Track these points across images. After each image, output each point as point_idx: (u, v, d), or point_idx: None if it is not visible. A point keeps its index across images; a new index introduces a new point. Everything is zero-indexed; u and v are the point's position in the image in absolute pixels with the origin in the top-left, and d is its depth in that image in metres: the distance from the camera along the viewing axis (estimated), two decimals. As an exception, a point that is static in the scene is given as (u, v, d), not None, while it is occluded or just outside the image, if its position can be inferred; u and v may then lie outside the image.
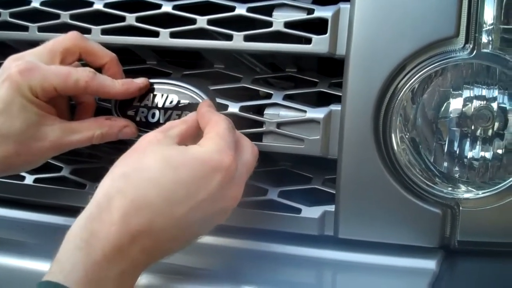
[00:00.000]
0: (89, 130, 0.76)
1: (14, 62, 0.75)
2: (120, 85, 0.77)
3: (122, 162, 0.66)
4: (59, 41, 0.77)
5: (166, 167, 0.64)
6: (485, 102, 0.72)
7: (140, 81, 0.79)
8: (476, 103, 0.72)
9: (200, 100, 0.78)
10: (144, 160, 0.65)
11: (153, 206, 0.63)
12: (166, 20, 0.79)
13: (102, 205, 0.63)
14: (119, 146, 0.84)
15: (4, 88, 0.73)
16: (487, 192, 0.72)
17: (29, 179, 0.87)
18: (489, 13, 0.69)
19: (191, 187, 0.64)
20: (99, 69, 0.78)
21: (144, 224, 0.62)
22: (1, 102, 0.73)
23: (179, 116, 0.77)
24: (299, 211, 0.77)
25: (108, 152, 0.87)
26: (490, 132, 0.72)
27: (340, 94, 0.73)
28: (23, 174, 0.88)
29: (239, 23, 0.76)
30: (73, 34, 0.78)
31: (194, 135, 0.71)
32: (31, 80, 0.73)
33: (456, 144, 0.73)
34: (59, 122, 0.76)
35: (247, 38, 0.75)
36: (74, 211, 0.83)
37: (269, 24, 0.74)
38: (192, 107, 0.77)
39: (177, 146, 0.67)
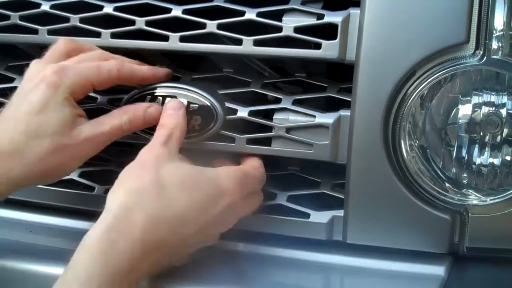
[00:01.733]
0: (116, 118, 0.76)
1: (44, 65, 0.76)
2: (147, 69, 0.79)
3: (134, 176, 0.68)
4: None
5: (183, 188, 0.68)
6: (494, 108, 0.72)
7: (163, 69, 0.81)
8: (485, 109, 0.72)
9: (209, 104, 0.78)
10: (160, 178, 0.67)
11: (169, 224, 0.66)
12: (175, 24, 0.79)
13: (119, 217, 0.64)
14: (128, 149, 0.84)
15: (40, 90, 0.73)
16: (496, 198, 0.72)
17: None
18: (499, 19, 0.69)
19: (201, 209, 0.68)
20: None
21: (159, 240, 0.65)
22: (38, 103, 0.73)
23: (189, 121, 0.77)
24: (307, 215, 0.77)
25: (116, 155, 0.87)
26: (499, 138, 0.72)
27: (349, 99, 0.73)
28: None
29: (249, 28, 0.76)
30: None
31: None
32: (68, 79, 0.74)
33: (464, 150, 0.73)
34: (88, 121, 0.76)
35: (257, 43, 0.75)
36: (82, 214, 0.85)
37: (279, 29, 0.74)
38: (201, 110, 0.77)
39: (190, 165, 0.71)
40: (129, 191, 0.66)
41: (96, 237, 0.63)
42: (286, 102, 0.76)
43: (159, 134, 0.74)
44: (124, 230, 0.64)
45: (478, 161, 0.73)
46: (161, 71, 0.80)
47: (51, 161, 0.73)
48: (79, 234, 0.82)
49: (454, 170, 0.74)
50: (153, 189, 0.67)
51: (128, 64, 0.78)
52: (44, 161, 0.73)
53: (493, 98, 0.72)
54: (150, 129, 0.79)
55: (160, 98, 0.79)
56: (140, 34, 0.80)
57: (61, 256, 0.72)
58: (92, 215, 0.84)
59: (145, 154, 0.71)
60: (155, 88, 0.80)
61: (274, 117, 0.76)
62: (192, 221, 0.68)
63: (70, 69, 0.75)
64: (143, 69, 0.79)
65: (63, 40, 0.80)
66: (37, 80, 0.74)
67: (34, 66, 0.78)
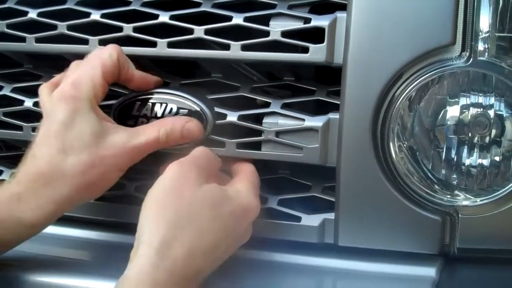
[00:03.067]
0: (153, 130, 0.75)
1: (57, 85, 0.76)
2: (139, 72, 0.79)
3: (169, 205, 0.68)
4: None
5: (213, 214, 0.69)
6: (482, 109, 0.72)
7: (155, 78, 0.81)
8: (473, 111, 0.72)
9: (198, 109, 0.78)
10: (195, 207, 0.68)
11: (205, 253, 0.67)
12: (163, 30, 0.79)
13: (161, 253, 0.65)
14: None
15: (63, 108, 0.73)
16: (486, 199, 0.72)
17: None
18: (485, 21, 0.70)
19: (230, 230, 0.70)
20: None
21: (196, 270, 0.67)
22: (64, 119, 0.73)
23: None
24: (298, 219, 0.77)
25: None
26: (487, 139, 0.72)
27: (338, 102, 0.74)
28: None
29: (237, 33, 0.76)
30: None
31: None
32: (84, 87, 0.74)
33: (453, 152, 0.73)
34: (123, 129, 0.76)
35: (245, 48, 0.75)
36: (83, 223, 0.84)
37: (266, 33, 0.75)
38: (191, 116, 0.77)
39: (214, 186, 0.70)
40: (167, 224, 0.66)
41: (142, 273, 0.64)
42: (275, 106, 0.77)
43: (201, 151, 0.74)
44: (167, 267, 0.64)
45: (467, 162, 0.73)
46: (153, 78, 0.80)
47: (93, 174, 0.73)
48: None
49: (443, 171, 0.74)
50: (189, 220, 0.67)
51: (123, 53, 0.78)
52: (86, 175, 0.73)
53: (480, 99, 0.72)
54: None
55: (150, 104, 0.79)
56: (128, 41, 0.80)
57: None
58: (92, 224, 0.84)
59: (182, 173, 0.70)
60: (145, 94, 0.80)
61: (263, 121, 0.77)
62: (223, 245, 0.69)
63: (81, 77, 0.75)
64: (135, 71, 0.79)
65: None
66: (57, 99, 0.74)
67: (45, 91, 0.77)
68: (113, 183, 0.76)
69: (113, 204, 0.83)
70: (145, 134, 0.75)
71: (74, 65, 0.78)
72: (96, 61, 0.76)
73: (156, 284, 0.63)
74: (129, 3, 0.81)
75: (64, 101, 0.74)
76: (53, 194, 0.72)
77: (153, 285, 0.63)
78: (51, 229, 0.77)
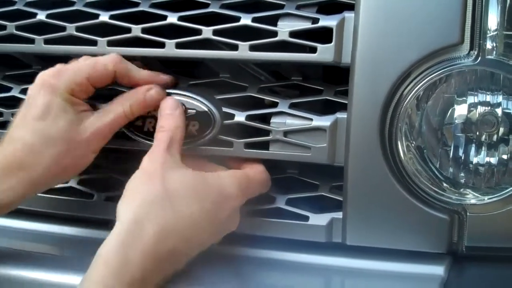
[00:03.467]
0: (117, 106, 0.78)
1: (45, 71, 0.78)
2: (147, 74, 0.80)
3: (142, 187, 0.70)
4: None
5: (190, 196, 0.69)
6: (489, 107, 0.72)
7: (166, 76, 0.81)
8: (481, 109, 0.72)
9: (206, 109, 0.78)
10: (168, 188, 0.69)
11: (180, 233, 0.68)
12: (171, 31, 0.80)
13: (131, 230, 0.66)
14: (124, 156, 0.85)
15: (42, 95, 0.76)
16: (494, 197, 0.72)
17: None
18: (493, 20, 0.70)
19: (209, 215, 0.70)
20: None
21: (171, 250, 0.67)
22: (41, 107, 0.76)
23: (186, 127, 0.78)
24: (306, 218, 0.77)
25: (114, 162, 0.87)
26: (495, 137, 0.73)
27: (346, 102, 0.74)
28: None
29: (245, 33, 0.77)
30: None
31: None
32: (64, 79, 0.77)
33: (461, 150, 0.74)
34: (92, 113, 0.78)
35: (253, 48, 0.76)
36: (82, 221, 0.85)
37: (274, 33, 0.75)
38: (199, 116, 0.78)
39: (194, 172, 0.72)
40: (139, 204, 0.68)
41: (110, 251, 0.65)
42: (283, 106, 0.77)
43: (161, 139, 0.74)
44: (137, 243, 0.65)
45: (475, 160, 0.73)
46: (162, 78, 0.80)
47: (68, 158, 0.76)
48: (79, 241, 0.84)
49: (451, 170, 0.74)
50: (162, 200, 0.68)
51: (127, 63, 0.79)
52: (61, 160, 0.75)
53: (488, 98, 0.72)
54: (147, 135, 0.79)
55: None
56: (136, 42, 0.81)
57: (61, 264, 0.73)
58: (91, 222, 0.85)
59: (149, 162, 0.72)
60: (153, 95, 0.80)
61: (271, 121, 0.77)
62: (201, 228, 0.70)
63: (66, 70, 0.78)
64: (141, 73, 0.80)
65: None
66: (39, 86, 0.77)
67: (39, 75, 0.79)
68: (87, 165, 0.79)
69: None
70: (111, 111, 0.78)
71: (79, 59, 0.80)
72: (91, 60, 0.78)
73: (125, 263, 0.64)
74: (137, 4, 0.82)
75: (44, 89, 0.76)
76: (27, 176, 0.74)
77: (122, 263, 0.64)
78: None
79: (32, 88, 0.78)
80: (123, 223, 0.67)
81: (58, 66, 0.78)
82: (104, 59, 0.78)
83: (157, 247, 0.66)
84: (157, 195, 0.69)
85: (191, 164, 0.73)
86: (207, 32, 0.78)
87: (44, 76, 0.77)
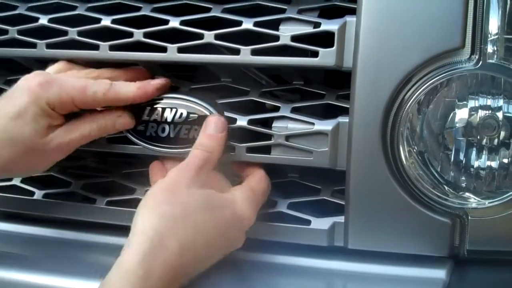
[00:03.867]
0: (85, 126, 0.79)
1: (35, 76, 0.78)
2: (136, 88, 0.79)
3: (167, 200, 0.71)
4: None
5: (209, 215, 0.72)
6: (490, 111, 0.73)
7: (157, 81, 0.80)
8: (482, 113, 0.73)
9: (208, 114, 0.78)
10: (191, 206, 0.71)
11: (197, 249, 0.70)
12: (173, 36, 0.80)
13: (155, 243, 0.67)
14: (128, 160, 0.85)
15: (23, 97, 0.77)
16: (495, 201, 0.72)
17: (38, 195, 0.88)
18: (494, 24, 0.70)
19: (223, 233, 0.73)
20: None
21: (185, 266, 0.68)
22: (17, 107, 0.76)
23: (189, 131, 0.78)
24: (308, 222, 0.77)
25: (116, 166, 0.88)
26: (496, 141, 0.73)
27: (347, 106, 0.74)
28: (32, 189, 0.88)
29: (246, 37, 0.77)
30: None
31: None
32: (49, 92, 0.77)
33: (462, 154, 0.74)
34: (62, 127, 0.78)
35: (255, 52, 0.76)
36: (83, 225, 0.85)
37: (276, 38, 0.75)
38: (201, 120, 0.78)
39: (213, 192, 0.74)
40: (164, 217, 0.69)
41: (134, 262, 0.65)
42: (285, 110, 0.77)
43: (196, 156, 0.75)
44: (160, 256, 0.66)
45: (476, 164, 0.74)
46: (151, 87, 0.79)
47: (22, 162, 0.77)
48: (83, 245, 0.83)
49: (452, 173, 0.74)
50: (185, 217, 0.70)
51: (116, 87, 0.78)
52: (15, 161, 0.77)
53: (489, 102, 0.73)
54: (149, 139, 0.79)
55: (160, 109, 0.80)
56: (138, 46, 0.81)
57: (62, 268, 0.73)
58: (93, 226, 0.85)
59: (178, 176, 0.73)
60: (155, 100, 0.80)
61: (273, 125, 0.77)
62: (215, 245, 0.72)
63: (56, 83, 0.77)
64: (132, 91, 0.78)
65: (64, 61, 0.84)
66: (24, 88, 0.77)
67: (30, 75, 0.79)
68: (45, 169, 0.81)
69: (125, 209, 0.83)
70: (79, 130, 0.78)
71: (72, 72, 0.81)
72: (81, 83, 0.78)
73: (148, 275, 0.65)
74: (139, 9, 0.82)
75: (27, 93, 0.76)
76: None
77: (145, 275, 0.65)
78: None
79: (18, 87, 0.78)
80: (145, 233, 0.67)
81: (47, 78, 0.78)
82: (94, 86, 0.77)
83: (177, 262, 0.67)
84: (181, 211, 0.70)
85: (205, 178, 0.75)
86: (209, 36, 0.78)
87: (32, 82, 0.77)
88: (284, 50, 0.76)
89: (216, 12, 0.79)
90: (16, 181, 0.89)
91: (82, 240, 0.86)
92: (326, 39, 0.74)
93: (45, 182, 0.89)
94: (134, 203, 0.82)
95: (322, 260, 0.77)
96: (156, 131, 0.79)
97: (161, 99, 0.80)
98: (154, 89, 0.79)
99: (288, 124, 0.77)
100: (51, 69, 0.83)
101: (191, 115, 0.79)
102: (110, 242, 0.83)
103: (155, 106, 0.80)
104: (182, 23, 0.79)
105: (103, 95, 0.77)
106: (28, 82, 0.77)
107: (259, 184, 0.77)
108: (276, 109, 0.78)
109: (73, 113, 0.79)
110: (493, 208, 0.72)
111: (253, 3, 0.79)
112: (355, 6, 0.73)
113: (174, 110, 0.80)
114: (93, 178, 0.87)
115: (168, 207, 0.70)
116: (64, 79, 0.78)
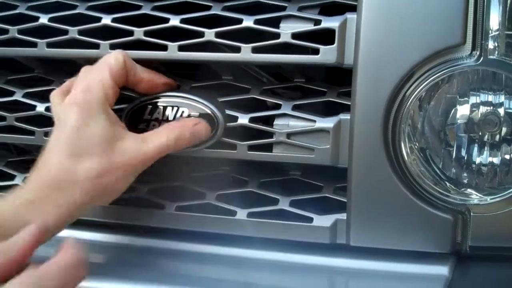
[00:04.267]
0: (162, 136, 0.76)
1: (66, 92, 0.77)
2: (149, 71, 0.80)
3: None
4: None
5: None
6: (491, 107, 0.73)
7: (168, 79, 0.81)
8: (483, 109, 0.73)
9: (210, 112, 0.78)
10: None
11: None
12: (174, 34, 0.80)
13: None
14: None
15: (75, 111, 0.74)
16: (497, 197, 0.72)
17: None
18: (494, 19, 0.70)
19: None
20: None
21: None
22: (77, 123, 0.73)
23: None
24: (310, 220, 0.77)
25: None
26: (497, 137, 0.73)
27: (349, 103, 0.74)
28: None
29: (247, 35, 0.77)
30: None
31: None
32: (96, 92, 0.75)
33: (464, 150, 0.74)
34: (133, 136, 0.76)
35: (255, 50, 0.76)
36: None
37: (277, 35, 0.75)
38: (202, 119, 0.78)
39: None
40: None
41: None
42: (286, 108, 0.77)
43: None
44: None
45: (477, 160, 0.74)
46: (164, 78, 0.81)
47: (105, 180, 0.73)
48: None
49: (454, 170, 0.74)
50: None
51: (128, 57, 0.79)
52: (98, 181, 0.73)
53: (490, 98, 0.73)
54: None
55: (161, 107, 0.80)
56: (139, 44, 0.81)
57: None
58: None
59: None
60: (156, 98, 0.80)
61: (274, 123, 0.77)
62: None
63: (91, 82, 0.75)
64: (145, 70, 0.79)
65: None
66: (69, 105, 0.75)
67: (57, 98, 0.78)
68: (125, 188, 0.76)
69: (126, 207, 0.83)
70: (155, 141, 0.75)
71: (83, 71, 0.78)
72: (103, 66, 0.77)
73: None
74: (139, 7, 0.82)
75: (76, 105, 0.74)
76: (64, 200, 0.72)
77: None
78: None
79: (60, 109, 0.76)
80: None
81: (80, 86, 0.76)
82: (111, 55, 0.77)
83: None
84: None
85: None
86: (209, 34, 0.78)
87: (74, 97, 0.75)
88: (285, 48, 0.76)
89: (216, 10, 0.79)
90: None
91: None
92: (327, 36, 0.74)
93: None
94: (137, 201, 0.83)
95: (324, 257, 0.77)
96: (158, 130, 0.79)
97: (162, 97, 0.80)
98: (161, 82, 0.80)
99: (289, 121, 0.77)
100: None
101: (192, 113, 0.79)
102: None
103: (157, 104, 0.80)
104: (183, 21, 0.79)
105: (123, 57, 0.77)
106: (71, 99, 0.76)
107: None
108: (278, 106, 0.78)
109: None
110: (495, 204, 0.72)
111: (253, 0, 0.78)
112: (356, 3, 0.72)
113: (175, 108, 0.80)
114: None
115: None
116: (91, 76, 0.77)
